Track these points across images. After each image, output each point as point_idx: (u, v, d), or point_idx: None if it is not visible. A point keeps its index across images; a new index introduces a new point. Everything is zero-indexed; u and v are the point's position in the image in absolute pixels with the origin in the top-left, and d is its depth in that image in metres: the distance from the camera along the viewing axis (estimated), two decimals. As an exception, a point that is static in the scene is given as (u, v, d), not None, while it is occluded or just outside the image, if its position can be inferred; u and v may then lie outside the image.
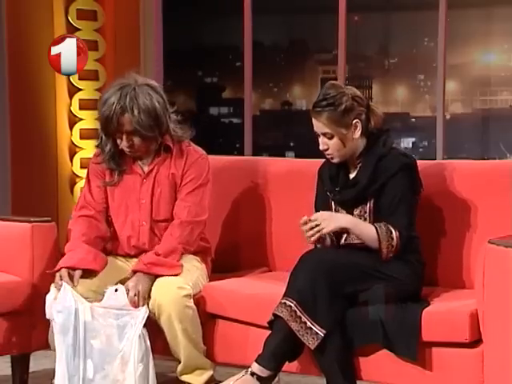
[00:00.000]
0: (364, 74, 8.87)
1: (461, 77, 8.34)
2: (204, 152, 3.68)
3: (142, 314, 3.35)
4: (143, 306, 3.37)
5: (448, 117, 7.42)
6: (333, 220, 3.29)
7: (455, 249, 3.51)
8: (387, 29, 8.83)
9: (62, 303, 3.34)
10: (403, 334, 3.12)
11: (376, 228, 3.27)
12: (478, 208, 3.52)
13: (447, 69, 5.93)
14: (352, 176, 3.41)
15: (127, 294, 3.37)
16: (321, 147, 3.39)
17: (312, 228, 3.25)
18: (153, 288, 3.44)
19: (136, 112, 3.46)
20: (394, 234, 3.26)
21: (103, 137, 3.60)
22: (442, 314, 3.15)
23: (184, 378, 3.49)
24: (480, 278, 3.04)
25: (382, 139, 3.37)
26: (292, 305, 3.15)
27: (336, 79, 6.08)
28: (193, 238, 3.57)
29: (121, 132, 3.51)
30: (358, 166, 3.38)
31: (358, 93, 3.40)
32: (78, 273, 3.43)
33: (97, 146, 3.68)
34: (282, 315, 3.16)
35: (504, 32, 7.87)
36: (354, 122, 3.33)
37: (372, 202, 3.34)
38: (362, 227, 3.30)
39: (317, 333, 3.12)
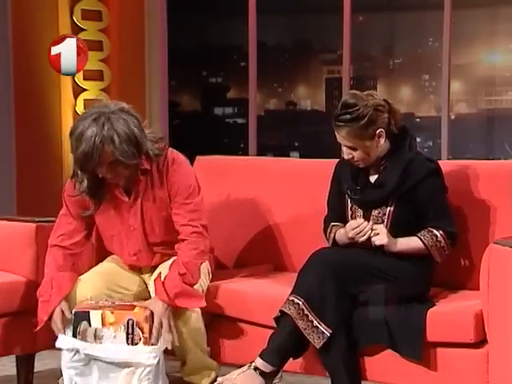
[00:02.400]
0: (369, 74, 8.86)
1: (466, 77, 8.33)
2: (183, 157, 3.50)
3: (153, 354, 3.23)
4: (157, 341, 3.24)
5: (453, 117, 7.40)
6: (390, 238, 3.27)
7: (460, 249, 3.50)
8: (392, 29, 8.83)
9: (69, 347, 3.28)
10: (408, 334, 3.12)
11: (420, 238, 3.28)
12: (483, 208, 3.51)
13: (452, 69, 5.92)
14: (373, 177, 3.38)
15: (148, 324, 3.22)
16: (345, 156, 3.34)
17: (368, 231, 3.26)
18: (150, 284, 3.45)
19: (117, 142, 3.21)
20: (439, 234, 3.28)
21: (79, 173, 3.36)
22: (446, 315, 3.15)
23: (189, 378, 3.48)
24: (485, 278, 3.03)
25: (407, 142, 3.35)
26: (300, 303, 3.14)
27: (341, 79, 6.09)
28: (207, 245, 3.46)
29: (102, 165, 3.27)
30: (382, 168, 3.35)
31: (380, 99, 3.32)
32: (63, 307, 3.36)
33: (71, 178, 3.45)
34: (289, 312, 3.15)
35: (509, 32, 7.86)
36: (378, 131, 3.29)
37: (394, 205, 3.32)
38: (410, 246, 3.30)
39: (323, 332, 3.12)
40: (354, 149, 3.30)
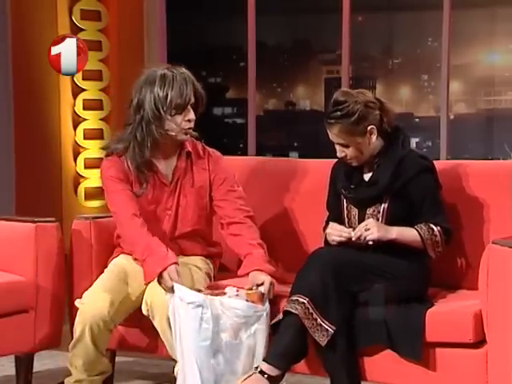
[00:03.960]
0: (368, 74, 8.87)
1: (465, 77, 8.34)
2: (218, 152, 3.65)
3: (266, 309, 3.28)
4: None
5: (452, 117, 7.41)
6: (381, 228, 3.28)
7: (459, 249, 3.50)
8: (391, 29, 8.84)
9: (189, 298, 3.24)
10: (407, 334, 3.12)
11: (417, 230, 3.29)
12: (481, 208, 3.51)
13: (451, 69, 5.93)
14: (367, 175, 3.39)
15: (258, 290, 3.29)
16: (338, 155, 3.36)
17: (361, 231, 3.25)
18: (146, 290, 3.41)
19: (195, 82, 3.48)
20: (436, 229, 3.29)
21: (152, 126, 3.42)
22: (445, 315, 3.15)
23: None
24: (484, 278, 3.03)
25: (400, 139, 3.36)
26: (305, 301, 3.14)
27: (340, 79, 6.09)
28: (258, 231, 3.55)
29: (186, 106, 3.45)
30: (376, 166, 3.36)
31: (371, 97, 3.35)
32: (177, 267, 3.33)
33: (119, 156, 3.50)
34: (296, 312, 3.15)
35: (508, 32, 7.87)
36: (370, 128, 3.30)
37: (388, 202, 3.33)
38: (406, 234, 3.30)
39: (327, 329, 3.13)
40: (346, 146, 3.32)
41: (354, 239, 3.28)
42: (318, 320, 3.13)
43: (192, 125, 3.50)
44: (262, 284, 3.32)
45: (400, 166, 3.31)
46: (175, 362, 3.41)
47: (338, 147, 3.34)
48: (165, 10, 6.20)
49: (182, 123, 3.47)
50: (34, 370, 3.80)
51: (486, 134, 8.76)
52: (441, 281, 3.51)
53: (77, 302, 3.46)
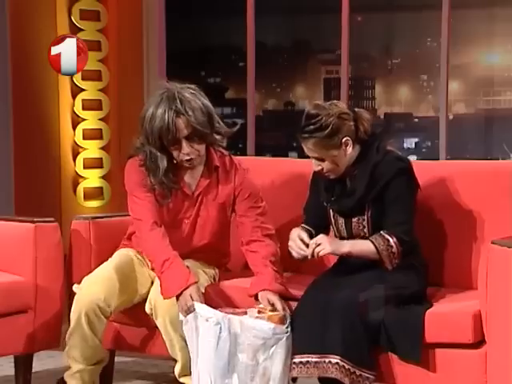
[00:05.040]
0: (367, 74, 8.87)
1: (464, 77, 8.34)
2: (245, 165, 3.61)
3: (287, 333, 3.20)
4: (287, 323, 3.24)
5: (451, 117, 7.41)
6: (334, 243, 3.25)
7: (458, 249, 3.51)
8: (390, 29, 8.84)
9: (208, 315, 3.21)
10: (406, 335, 3.11)
11: (372, 241, 3.23)
12: (480, 208, 3.51)
13: (450, 69, 5.92)
14: (349, 184, 3.35)
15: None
16: (314, 168, 3.32)
17: (314, 247, 3.22)
18: (151, 290, 3.43)
19: (190, 112, 3.35)
20: (392, 240, 3.22)
21: (158, 154, 3.40)
22: (445, 316, 3.14)
23: (183, 379, 3.44)
24: (483, 278, 3.03)
25: (375, 145, 3.30)
26: (338, 361, 3.06)
27: (339, 79, 6.09)
28: (277, 249, 3.52)
29: (179, 140, 3.38)
30: (354, 175, 3.32)
31: (344, 108, 3.29)
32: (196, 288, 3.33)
33: (142, 165, 3.46)
34: (333, 376, 3.07)
35: (507, 32, 7.87)
36: (344, 140, 3.25)
37: (371, 210, 3.30)
38: (360, 247, 3.25)
39: (368, 377, 3.09)
40: (321, 160, 3.27)
41: (309, 258, 3.24)
42: (357, 372, 3.08)
43: (191, 156, 3.43)
44: (273, 305, 3.27)
45: (375, 173, 3.26)
46: (175, 361, 3.42)
47: (313, 161, 3.30)
48: (164, 9, 6.19)
49: (178, 156, 3.44)
50: (33, 370, 3.80)
51: (485, 134, 8.76)
52: (440, 280, 3.52)
53: (74, 287, 3.46)
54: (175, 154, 3.43)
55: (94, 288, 3.42)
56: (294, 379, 3.22)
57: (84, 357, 3.44)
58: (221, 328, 3.17)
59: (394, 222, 3.25)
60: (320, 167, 3.30)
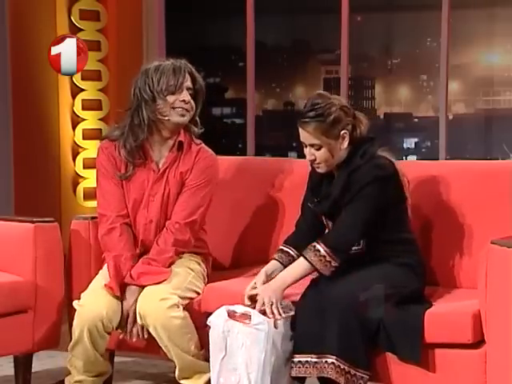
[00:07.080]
0: (367, 75, 8.88)
1: (463, 77, 8.34)
2: (213, 153, 3.62)
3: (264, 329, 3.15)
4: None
5: (451, 117, 7.42)
6: (270, 290, 3.19)
7: (457, 249, 3.50)
8: (390, 29, 8.84)
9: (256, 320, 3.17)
10: (406, 336, 3.10)
11: (304, 257, 3.20)
12: (480, 208, 3.51)
13: (450, 69, 5.92)
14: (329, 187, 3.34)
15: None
16: (307, 158, 3.29)
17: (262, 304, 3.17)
18: (139, 299, 3.40)
19: (196, 74, 3.59)
20: (318, 246, 3.19)
21: (142, 122, 3.50)
22: (444, 316, 3.14)
23: (183, 382, 3.44)
24: (483, 278, 3.03)
25: (362, 149, 3.27)
26: (333, 361, 3.07)
27: (339, 79, 6.09)
28: (185, 239, 3.52)
29: (181, 86, 3.52)
30: (334, 177, 3.31)
31: (345, 102, 3.32)
32: None
33: (113, 140, 3.58)
34: (329, 376, 3.07)
35: (507, 32, 7.87)
36: (342, 132, 3.25)
37: None
38: (294, 272, 3.22)
39: (362, 377, 3.09)
40: (318, 148, 3.26)
41: (276, 317, 3.17)
42: (352, 371, 3.08)
43: (187, 107, 3.52)
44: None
45: (351, 178, 3.23)
46: (174, 362, 3.42)
47: (308, 150, 3.27)
48: (164, 9, 6.20)
49: (174, 102, 3.50)
50: (33, 370, 3.80)
51: (484, 133, 8.76)
52: (440, 280, 3.51)
53: (75, 304, 3.45)
54: (172, 98, 3.50)
55: (97, 305, 3.40)
56: (303, 379, 3.21)
57: (85, 369, 3.44)
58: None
59: (334, 228, 3.25)
60: (313, 157, 3.27)
